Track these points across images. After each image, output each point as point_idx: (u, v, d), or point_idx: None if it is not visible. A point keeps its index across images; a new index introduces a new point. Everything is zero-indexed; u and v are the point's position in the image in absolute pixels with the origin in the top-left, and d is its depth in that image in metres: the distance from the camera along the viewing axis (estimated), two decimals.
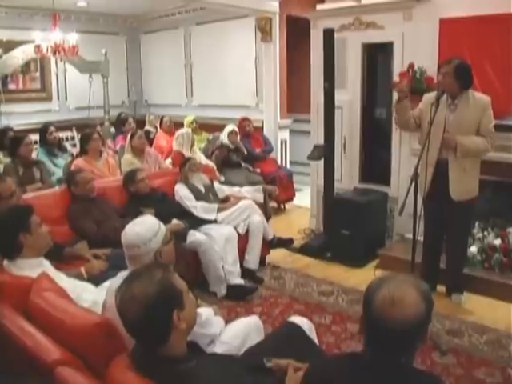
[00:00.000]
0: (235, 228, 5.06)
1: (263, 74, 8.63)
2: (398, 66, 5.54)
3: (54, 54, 7.66)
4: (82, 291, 2.98)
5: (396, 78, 5.49)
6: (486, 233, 5.04)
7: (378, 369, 1.68)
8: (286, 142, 8.78)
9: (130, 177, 5.00)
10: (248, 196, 5.72)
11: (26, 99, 9.70)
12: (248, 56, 9.00)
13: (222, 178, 6.58)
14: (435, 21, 5.17)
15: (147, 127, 8.90)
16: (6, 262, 2.92)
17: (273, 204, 7.33)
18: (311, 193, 6.78)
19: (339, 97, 5.86)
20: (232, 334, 2.77)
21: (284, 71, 8.51)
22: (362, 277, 5.04)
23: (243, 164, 7.30)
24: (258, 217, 5.26)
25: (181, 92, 10.52)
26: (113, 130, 8.60)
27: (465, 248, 4.69)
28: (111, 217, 4.54)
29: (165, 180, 5.48)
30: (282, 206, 7.82)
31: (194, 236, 4.75)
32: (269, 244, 5.52)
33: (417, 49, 5.38)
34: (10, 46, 8.47)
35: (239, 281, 4.83)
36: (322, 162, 6.05)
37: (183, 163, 5.47)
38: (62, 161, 6.71)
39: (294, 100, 8.88)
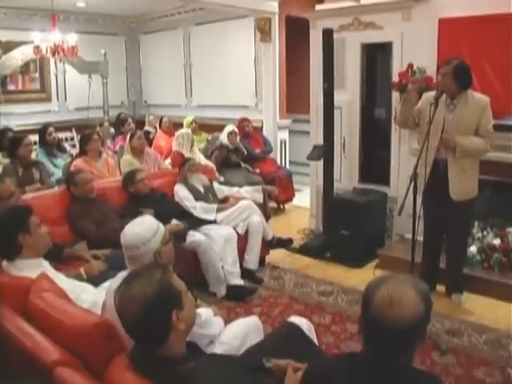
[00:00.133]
0: (235, 228, 5.06)
1: (262, 74, 8.63)
2: (397, 66, 5.54)
3: (54, 54, 7.67)
4: (81, 292, 2.98)
5: (395, 78, 5.49)
6: (485, 233, 5.04)
7: (377, 369, 1.68)
8: (285, 142, 8.78)
9: (130, 177, 5.00)
10: (247, 196, 5.71)
11: (26, 100, 9.70)
12: (247, 56, 9.00)
13: (222, 179, 6.58)
14: (434, 21, 5.17)
15: (147, 128, 8.91)
16: (5, 263, 2.92)
17: (272, 204, 7.33)
18: (311, 193, 6.78)
19: (338, 97, 5.86)
20: (231, 334, 2.77)
21: (283, 71, 8.50)
22: (361, 277, 5.04)
23: (243, 164, 7.30)
24: (257, 217, 5.26)
25: (180, 92, 10.52)
26: (112, 130, 8.60)
27: (464, 248, 4.69)
28: (111, 217, 4.54)
29: (164, 180, 5.48)
30: (282, 206, 7.82)
31: (194, 236, 4.75)
32: (268, 244, 5.52)
33: (416, 49, 5.37)
34: (9, 46, 8.48)
35: (239, 281, 4.83)
36: (321, 162, 6.05)
37: (182, 164, 5.47)
38: (61, 161, 6.70)
39: (294, 100, 8.87)
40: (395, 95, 5.57)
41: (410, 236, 4.23)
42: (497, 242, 4.89)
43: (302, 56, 7.81)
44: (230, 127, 7.54)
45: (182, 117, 8.73)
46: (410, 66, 5.35)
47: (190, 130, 7.39)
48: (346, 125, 6.10)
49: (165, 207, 4.87)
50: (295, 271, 5.43)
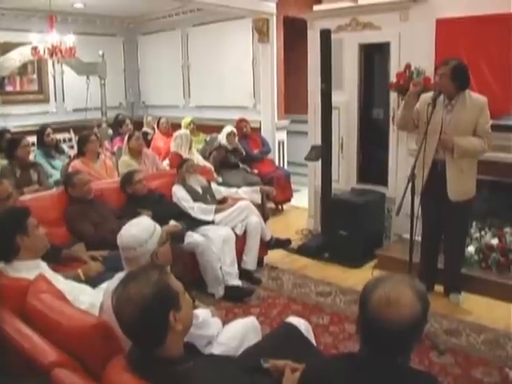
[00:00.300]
0: (233, 229, 5.06)
1: (260, 74, 8.63)
2: (395, 67, 5.54)
3: (51, 55, 7.66)
4: (79, 293, 2.97)
5: (393, 79, 5.49)
6: (483, 233, 5.04)
7: (375, 369, 1.68)
8: (283, 143, 8.78)
9: (128, 178, 5.00)
10: (245, 197, 5.72)
11: (23, 101, 9.69)
12: (245, 57, 9.00)
13: (220, 179, 6.58)
14: (432, 21, 5.18)
15: (145, 128, 8.92)
16: (2, 265, 2.92)
17: (270, 205, 7.33)
18: (309, 193, 6.79)
19: (336, 97, 5.86)
20: (229, 335, 2.77)
21: (281, 72, 8.51)
22: (359, 277, 5.03)
23: (241, 165, 7.30)
24: (255, 218, 5.26)
25: (178, 93, 10.51)
26: (110, 131, 8.60)
27: (462, 248, 4.69)
28: (108, 218, 4.54)
29: (162, 181, 5.47)
30: (280, 207, 7.81)
31: (192, 237, 4.75)
32: (266, 245, 5.53)
33: (413, 49, 5.38)
34: (6, 47, 8.47)
35: (237, 282, 4.83)
36: (319, 163, 6.05)
37: (180, 164, 5.46)
38: (59, 162, 6.70)
39: (292, 101, 8.88)
40: (393, 96, 5.58)
41: (408, 236, 4.23)
42: (495, 241, 4.89)
43: (299, 57, 7.82)
44: (228, 128, 7.54)
45: (180, 118, 8.73)
46: (408, 66, 5.35)
47: (188, 131, 7.39)
48: (343, 125, 6.10)
49: (163, 208, 4.87)
50: (293, 272, 5.43)
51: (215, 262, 4.71)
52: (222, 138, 7.48)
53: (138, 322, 1.78)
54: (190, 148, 6.88)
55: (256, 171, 7.39)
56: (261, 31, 8.29)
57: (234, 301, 4.67)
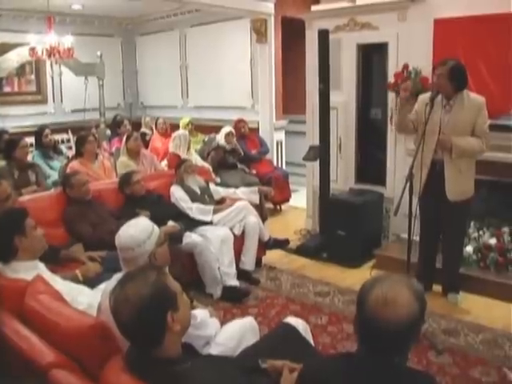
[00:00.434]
0: (231, 229, 5.06)
1: (258, 75, 8.63)
2: (393, 67, 5.55)
3: (49, 56, 7.66)
4: (77, 294, 2.97)
5: (391, 79, 5.50)
6: (481, 232, 5.05)
7: (372, 369, 1.69)
8: (281, 143, 8.78)
9: (126, 179, 5.00)
10: (244, 197, 5.72)
11: (22, 102, 9.69)
12: (243, 57, 9.01)
13: (218, 180, 6.58)
14: (429, 21, 5.18)
15: (143, 129, 8.92)
16: (0, 266, 2.91)
17: (269, 205, 7.32)
18: (307, 193, 6.79)
19: (334, 98, 5.87)
20: (227, 335, 2.77)
21: (279, 72, 8.51)
22: (358, 277, 5.03)
23: (239, 165, 7.30)
24: (253, 218, 5.26)
25: (176, 94, 10.52)
26: (108, 132, 8.58)
27: (461, 248, 4.69)
28: (107, 219, 4.54)
29: (160, 182, 5.47)
30: (278, 207, 7.81)
31: (190, 237, 4.75)
32: (265, 245, 5.53)
33: (411, 49, 5.38)
34: (4, 48, 8.45)
35: (235, 282, 4.83)
36: (317, 163, 6.06)
37: (179, 165, 5.46)
38: (57, 163, 6.69)
39: (290, 101, 8.89)
40: (391, 96, 5.58)
41: (406, 236, 4.23)
42: (493, 241, 4.90)
43: (297, 57, 7.81)
44: (227, 128, 7.55)
45: (179, 118, 8.73)
46: (406, 66, 5.36)
47: (186, 132, 7.39)
48: (342, 125, 6.10)
49: (161, 209, 4.87)
50: (292, 272, 5.43)
51: (213, 263, 4.71)
52: (220, 138, 7.49)
53: (135, 323, 1.78)
54: (189, 148, 6.89)
55: (254, 171, 7.40)
56: (259, 31, 8.30)
57: (232, 301, 4.67)
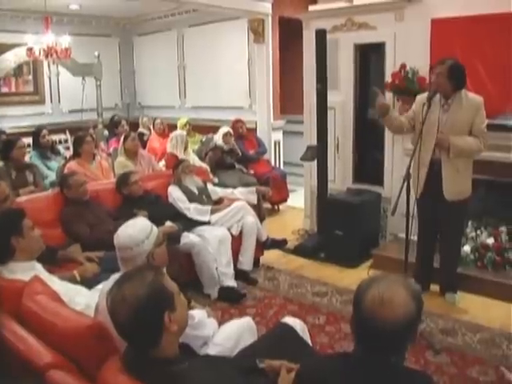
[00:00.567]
0: (229, 229, 5.06)
1: (256, 75, 8.65)
2: (390, 67, 5.55)
3: (47, 56, 7.66)
4: (74, 294, 2.97)
5: (388, 79, 5.50)
6: (478, 232, 5.06)
7: (369, 369, 1.69)
8: (279, 143, 8.79)
9: (123, 179, 4.99)
10: (241, 197, 5.71)
11: (19, 102, 9.69)
12: (241, 57, 9.01)
13: (216, 180, 6.57)
14: (427, 21, 5.19)
15: (141, 129, 8.91)
16: None
17: (267, 205, 7.33)
18: (305, 194, 6.79)
19: (332, 98, 5.87)
20: (225, 335, 2.77)
21: (277, 72, 8.51)
22: (356, 277, 5.01)
23: (237, 165, 7.30)
24: (251, 218, 5.26)
25: (174, 94, 10.52)
26: (106, 132, 8.59)
27: (458, 247, 4.69)
28: (104, 220, 4.53)
29: (158, 182, 5.47)
30: (276, 207, 7.82)
31: (188, 238, 4.75)
32: (263, 245, 5.53)
33: (409, 49, 5.39)
34: (2, 49, 8.45)
35: (232, 283, 4.82)
36: (315, 163, 6.06)
37: (176, 165, 5.46)
38: (55, 164, 6.68)
39: (287, 101, 8.88)
40: (388, 96, 5.58)
41: (404, 236, 4.24)
42: (490, 241, 4.91)
43: (295, 57, 7.82)
44: (225, 128, 7.54)
45: (176, 118, 8.73)
46: (403, 66, 5.36)
47: (184, 132, 7.38)
48: (339, 125, 6.11)
49: (159, 209, 4.87)
50: (290, 272, 5.43)
51: (211, 263, 4.71)
52: (217, 138, 7.48)
53: (132, 323, 1.78)
54: (186, 149, 6.87)
55: (252, 172, 7.39)
56: (256, 31, 8.31)
57: (228, 302, 4.67)
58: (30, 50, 7.65)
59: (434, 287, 4.72)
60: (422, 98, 4.37)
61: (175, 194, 5.19)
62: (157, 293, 1.82)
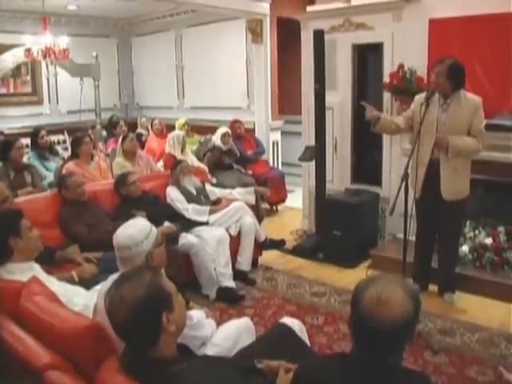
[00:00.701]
0: (227, 230, 5.06)
1: (254, 75, 8.63)
2: (389, 67, 5.56)
3: (45, 57, 7.66)
4: (73, 295, 2.97)
5: (386, 79, 5.50)
6: (477, 232, 5.06)
7: (366, 369, 1.69)
8: (277, 144, 8.79)
9: (122, 180, 4.99)
10: (240, 198, 5.71)
11: (17, 103, 9.69)
12: (239, 58, 9.01)
13: (214, 180, 6.57)
14: (425, 21, 5.20)
15: (139, 130, 8.91)
16: None
17: (265, 205, 7.33)
18: (303, 194, 6.80)
19: (330, 98, 5.87)
20: (223, 335, 2.77)
21: (275, 73, 8.51)
22: (354, 277, 5.02)
23: (235, 166, 7.30)
24: (249, 218, 5.26)
25: (172, 94, 10.52)
26: (104, 133, 8.58)
27: (456, 247, 4.70)
28: (103, 220, 4.53)
29: (156, 183, 5.47)
30: (274, 208, 7.82)
31: (186, 238, 4.75)
32: (261, 245, 5.53)
33: (407, 49, 5.39)
34: (0, 49, 8.44)
35: (231, 283, 4.82)
36: (313, 163, 6.06)
37: (174, 166, 5.46)
38: (53, 164, 6.68)
39: (285, 101, 8.88)
40: (386, 96, 5.59)
41: (402, 236, 4.23)
42: (488, 241, 4.91)
43: (293, 57, 7.83)
44: (223, 129, 7.53)
45: (175, 119, 8.72)
46: (401, 66, 5.37)
47: (181, 132, 7.36)
48: (337, 125, 6.11)
49: (157, 209, 4.87)
50: (288, 272, 5.43)
51: (209, 263, 4.71)
52: (216, 139, 7.47)
53: (130, 323, 1.78)
54: (183, 149, 6.87)
55: (250, 172, 7.39)
56: (254, 32, 8.30)
57: (227, 302, 4.67)
58: (28, 50, 7.65)
59: (433, 287, 4.72)
60: (420, 97, 4.37)
61: (173, 195, 5.19)
62: (155, 293, 1.83)
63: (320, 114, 5.84)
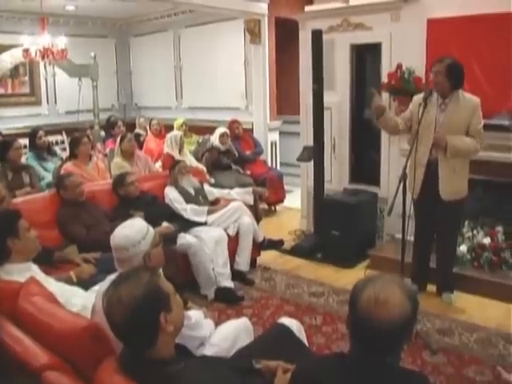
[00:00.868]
0: (225, 230, 5.06)
1: (252, 75, 8.63)
2: (387, 67, 5.56)
3: (43, 57, 7.64)
4: (71, 296, 2.96)
5: (384, 79, 5.51)
6: (475, 232, 5.06)
7: (364, 369, 1.69)
8: (275, 144, 8.78)
9: (120, 180, 4.99)
10: (238, 198, 5.72)
11: (15, 103, 9.68)
12: (237, 58, 9.01)
13: (212, 181, 6.57)
14: (423, 21, 5.20)
15: (137, 130, 8.91)
16: None
17: (263, 206, 7.33)
18: (301, 194, 6.79)
19: (328, 98, 5.88)
20: (222, 336, 2.77)
21: (273, 73, 8.52)
22: (352, 277, 5.01)
23: (233, 166, 7.30)
24: (247, 218, 5.26)
25: (170, 94, 10.52)
26: (102, 133, 8.57)
27: (454, 247, 4.70)
28: (101, 221, 4.53)
29: (155, 183, 5.46)
30: (273, 208, 7.81)
31: (184, 238, 4.75)
32: (259, 246, 5.53)
33: (405, 49, 5.40)
34: None
35: (229, 283, 4.82)
36: (311, 164, 6.06)
37: (173, 166, 5.46)
38: (51, 165, 6.67)
39: (284, 101, 8.89)
40: (385, 96, 5.58)
41: (400, 236, 4.23)
42: (487, 240, 4.91)
43: (291, 57, 7.83)
44: (221, 129, 7.53)
45: (173, 119, 8.73)
46: (399, 66, 5.37)
47: (179, 133, 7.36)
48: (335, 126, 6.11)
49: (155, 210, 4.86)
50: (286, 272, 5.43)
51: (208, 263, 4.71)
52: (214, 139, 7.47)
53: (128, 324, 1.78)
54: (182, 149, 6.87)
55: (248, 172, 7.39)
56: (252, 32, 8.30)
57: (225, 302, 4.66)
58: (26, 51, 7.63)
59: (431, 287, 4.73)
60: (418, 98, 4.37)
61: (172, 195, 5.19)
62: (153, 293, 1.83)
63: (318, 114, 5.85)
